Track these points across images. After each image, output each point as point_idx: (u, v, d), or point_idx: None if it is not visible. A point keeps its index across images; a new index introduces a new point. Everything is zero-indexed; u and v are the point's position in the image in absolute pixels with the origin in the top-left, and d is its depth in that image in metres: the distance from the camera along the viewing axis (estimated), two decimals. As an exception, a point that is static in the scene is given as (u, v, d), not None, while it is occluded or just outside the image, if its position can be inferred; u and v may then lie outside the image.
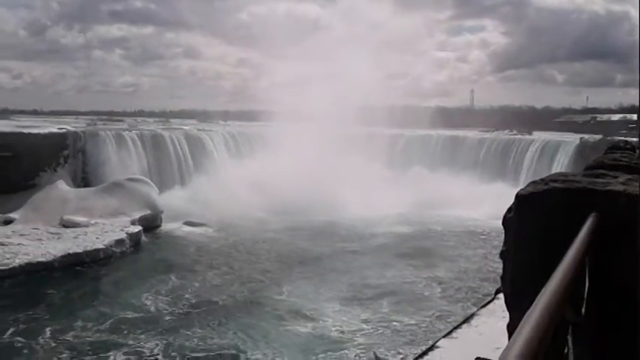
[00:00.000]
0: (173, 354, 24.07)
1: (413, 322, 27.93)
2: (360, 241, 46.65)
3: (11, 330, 26.15)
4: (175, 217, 51.17)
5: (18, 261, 36.21)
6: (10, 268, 35.19)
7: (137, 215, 48.18)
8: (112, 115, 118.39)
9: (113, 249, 40.76)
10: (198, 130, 71.40)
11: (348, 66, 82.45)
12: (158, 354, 24.02)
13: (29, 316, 28.02)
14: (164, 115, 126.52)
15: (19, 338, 25.24)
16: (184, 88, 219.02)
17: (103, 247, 40.17)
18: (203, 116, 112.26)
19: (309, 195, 55.10)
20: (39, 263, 36.48)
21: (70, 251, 38.54)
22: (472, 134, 77.96)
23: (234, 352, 24.47)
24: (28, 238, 41.31)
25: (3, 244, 39.27)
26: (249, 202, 54.41)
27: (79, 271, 36.72)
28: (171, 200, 53.55)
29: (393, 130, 77.82)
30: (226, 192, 55.60)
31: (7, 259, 36.41)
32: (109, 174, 53.86)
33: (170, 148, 62.11)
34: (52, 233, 42.98)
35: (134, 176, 53.19)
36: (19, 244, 39.69)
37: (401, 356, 20.80)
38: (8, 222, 44.96)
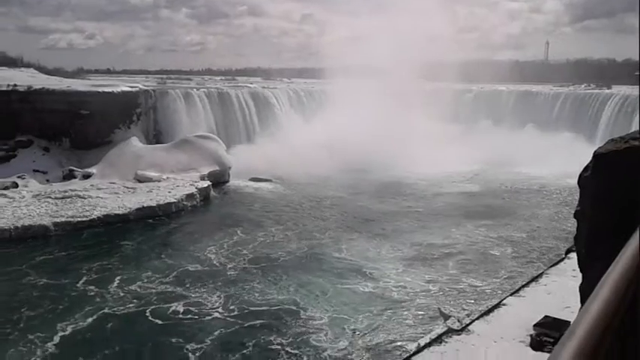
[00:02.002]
0: (232, 307, 24.85)
1: (481, 283, 27.44)
2: (425, 199, 46.40)
3: (85, 278, 28.12)
4: (242, 174, 52.76)
5: (97, 213, 38.55)
6: (89, 220, 37.59)
7: (206, 171, 49.91)
8: (180, 74, 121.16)
9: (184, 203, 42.64)
10: (263, 87, 72.07)
11: (416, 20, 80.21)
12: (218, 307, 24.88)
13: (102, 266, 30.01)
14: (230, 73, 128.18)
15: (92, 287, 27.08)
16: (249, 46, 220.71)
17: (175, 201, 42.09)
18: (268, 74, 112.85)
19: (373, 152, 54.89)
20: (116, 215, 38.74)
21: (145, 204, 40.63)
22: (546, 89, 74.48)
23: (292, 307, 24.96)
24: (106, 192, 43.75)
25: (83, 197, 41.79)
26: (313, 160, 54.90)
27: (151, 223, 38.87)
28: (238, 157, 55.05)
29: (460, 85, 75.54)
30: (291, 149, 56.32)
31: (87, 211, 38.82)
32: (179, 131, 55.68)
33: (236, 105, 63.19)
34: (127, 187, 45.30)
35: (203, 133, 54.80)
36: (97, 197, 42.15)
37: (466, 312, 20.61)
38: (87, 176, 47.65)
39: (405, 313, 24.16)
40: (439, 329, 17.61)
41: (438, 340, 15.66)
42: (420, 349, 15.21)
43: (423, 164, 54.36)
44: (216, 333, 22.39)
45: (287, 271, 29.32)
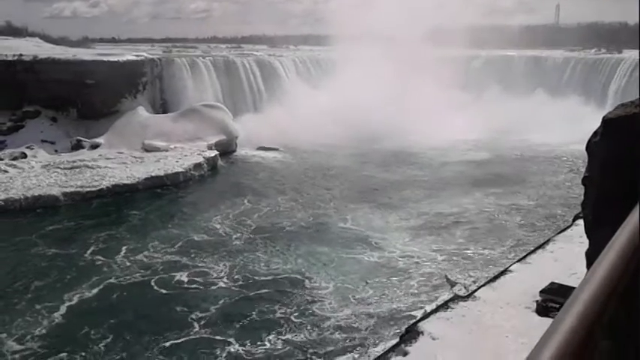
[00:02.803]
0: (236, 277, 24.96)
1: (488, 251, 27.33)
2: (433, 168, 46.13)
3: (92, 248, 28.33)
4: (249, 143, 52.70)
5: (105, 183, 38.73)
6: (98, 190, 37.80)
7: (213, 140, 49.79)
8: (185, 42, 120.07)
9: (192, 172, 42.68)
10: (269, 55, 71.35)
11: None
12: (223, 277, 25.00)
13: (110, 236, 30.22)
14: (235, 41, 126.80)
15: (99, 256, 27.30)
16: (254, 12, 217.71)
17: (183, 170, 42.13)
18: (273, 41, 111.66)
19: (380, 121, 54.51)
20: (124, 185, 38.91)
21: (153, 174, 40.75)
22: (556, 54, 73.30)
23: (297, 276, 25.06)
24: (114, 162, 43.88)
25: (91, 167, 41.97)
26: (320, 128, 54.63)
27: (159, 193, 39.04)
28: (245, 126, 54.82)
29: (469, 51, 74.40)
30: (298, 118, 56.03)
31: (96, 180, 39.02)
32: (185, 100, 55.39)
33: (242, 74, 62.66)
34: (135, 157, 45.39)
35: (209, 102, 54.49)
36: (105, 167, 42.29)
37: (472, 279, 20.76)
38: (95, 146, 47.75)
39: (411, 282, 24.15)
40: (445, 296, 17.74)
41: (444, 306, 15.69)
42: (426, 315, 15.36)
43: (431, 132, 53.81)
44: (220, 302, 22.54)
45: (292, 241, 29.35)
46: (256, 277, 24.96)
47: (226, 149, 50.68)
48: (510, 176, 42.90)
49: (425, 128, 54.48)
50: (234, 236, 30.28)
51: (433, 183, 41.30)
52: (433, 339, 13.38)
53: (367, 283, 24.14)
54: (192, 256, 27.36)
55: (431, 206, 35.16)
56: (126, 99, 53.58)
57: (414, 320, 15.81)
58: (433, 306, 16.83)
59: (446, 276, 22.94)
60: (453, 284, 20.34)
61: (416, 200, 36.76)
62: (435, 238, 29.48)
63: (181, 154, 46.21)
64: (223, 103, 56.19)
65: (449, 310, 14.99)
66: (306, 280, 24.65)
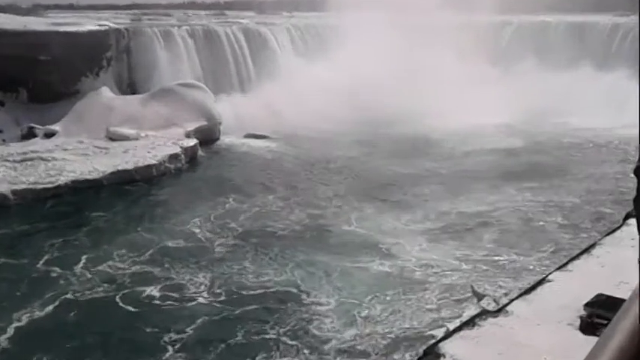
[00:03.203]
0: (219, 291, 24.63)
1: (522, 258, 27.00)
2: (455, 158, 45.90)
3: (47, 257, 28.06)
4: (235, 129, 52.58)
5: (63, 179, 38.62)
6: (55, 187, 37.65)
7: (192, 127, 49.59)
8: (157, 8, 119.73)
9: (167, 165, 42.51)
10: (258, 23, 71.17)
11: None
12: (202, 291, 24.68)
13: (68, 242, 29.94)
14: (218, 7, 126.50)
15: (54, 267, 26.99)
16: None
17: (156, 163, 41.89)
18: (262, 7, 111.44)
19: (392, 101, 54.43)
20: (85, 181, 38.77)
21: (120, 168, 40.61)
22: (603, 19, 73.21)
23: (291, 290, 24.67)
24: (73, 153, 43.75)
25: (46, 160, 41.88)
26: (320, 111, 54.53)
27: (127, 190, 38.91)
28: (230, 109, 54.74)
29: (497, 17, 74.24)
30: (293, 99, 55.91)
31: (52, 176, 38.92)
32: (158, 78, 55.33)
33: (226, 46, 62.56)
34: (98, 147, 45.23)
35: (187, 81, 54.35)
36: (63, 159, 42.15)
37: (504, 291, 20.65)
38: (50, 135, 47.59)
39: (430, 295, 23.82)
40: (471, 311, 17.71)
41: (469, 323, 15.40)
42: (448, 334, 15.25)
43: (452, 115, 53.47)
44: (199, 322, 22.21)
45: (286, 248, 29.02)
46: (243, 292, 24.67)
47: (208, 137, 50.40)
48: (548, 167, 42.75)
49: (444, 110, 54.17)
50: (217, 242, 29.99)
51: (455, 176, 41.03)
52: (456, 363, 13.44)
53: (376, 297, 23.87)
54: (166, 266, 27.04)
55: (453, 204, 34.83)
56: (87, 78, 53.52)
57: (434, 340, 15.75)
58: (457, 323, 16.61)
59: (472, 287, 22.78)
60: (480, 297, 20.06)
61: (435, 198, 36.42)
62: (459, 244, 29.08)
63: (153, 143, 45.93)
64: (204, 82, 56.11)
65: (475, 327, 14.82)
66: (303, 295, 24.37)
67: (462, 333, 14.97)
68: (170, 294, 24.53)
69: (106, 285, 25.34)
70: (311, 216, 33.58)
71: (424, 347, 15.40)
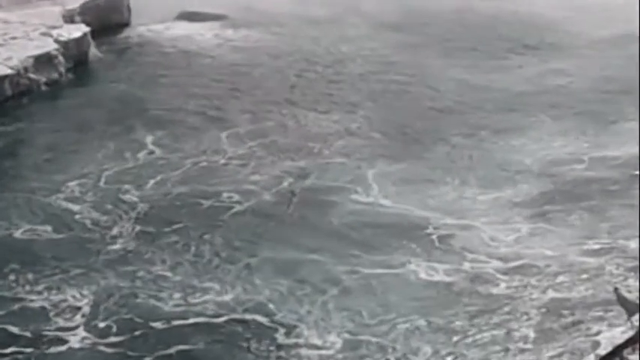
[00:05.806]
0: (110, 322, 15.72)
1: None
2: (584, 57, 33.15)
3: None
4: (159, 7, 38.42)
5: None
6: None
7: (76, 3, 36.02)
8: None
9: (31, 76, 30.46)
10: None
11: None
12: (78, 324, 15.72)
13: None
14: None
15: None
16: None
17: (11, 72, 29.87)
18: None
19: None
20: None
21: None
22: None
23: (255, 318, 15.78)
24: None
25: None
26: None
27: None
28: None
29: None
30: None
31: None
32: None
33: None
34: None
35: None
36: None
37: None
38: None
39: (527, 323, 15.32)
40: (616, 333, 14.50)
41: (616, 354, 10.78)
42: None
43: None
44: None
45: (245, 235, 19.39)
46: (155, 323, 15.76)
47: (107, 22, 36.77)
48: None
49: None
50: (115, 227, 19.74)
51: (581, 94, 29.11)
52: None
53: (425, 332, 15.02)
54: (12, 277, 17.25)
55: (569, 147, 24.44)
56: None
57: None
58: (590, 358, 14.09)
59: (615, 290, 16.33)
60: (632, 310, 14.20)
61: (536, 137, 25.46)
62: (581, 222, 19.68)
63: (7, 34, 33.06)
64: None
65: (622, 363, 10.47)
66: (279, 328, 15.24)
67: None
68: (18, 331, 15.40)
69: None
70: (294, 172, 23.00)
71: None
